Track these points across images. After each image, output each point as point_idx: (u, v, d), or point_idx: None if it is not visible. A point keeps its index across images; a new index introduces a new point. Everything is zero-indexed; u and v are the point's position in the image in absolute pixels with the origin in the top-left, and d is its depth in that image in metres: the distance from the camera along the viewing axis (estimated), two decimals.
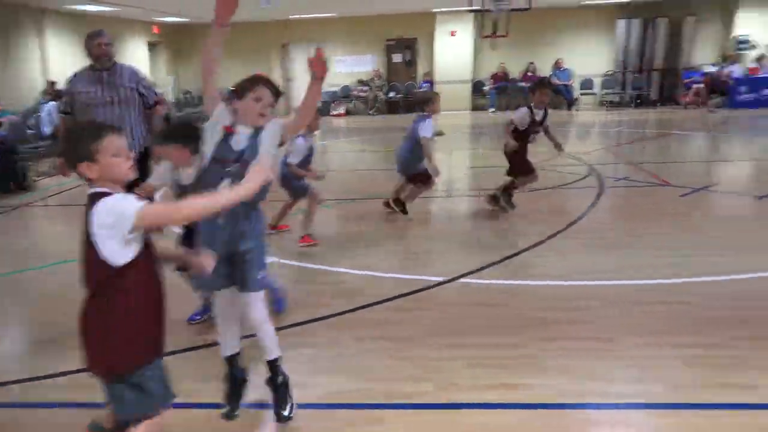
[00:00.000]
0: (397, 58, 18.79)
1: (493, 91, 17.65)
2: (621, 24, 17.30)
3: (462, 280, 4.48)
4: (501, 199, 6.31)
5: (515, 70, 18.02)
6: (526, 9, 14.79)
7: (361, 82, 18.63)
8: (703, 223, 5.83)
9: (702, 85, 16.30)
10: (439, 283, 4.41)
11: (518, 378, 3.11)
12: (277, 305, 3.94)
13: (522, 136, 5.95)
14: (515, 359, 3.30)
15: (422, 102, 6.00)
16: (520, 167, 6.10)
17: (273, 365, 2.85)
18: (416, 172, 6.07)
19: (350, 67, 18.70)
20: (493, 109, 17.46)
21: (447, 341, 3.53)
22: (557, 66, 17.59)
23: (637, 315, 3.81)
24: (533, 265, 4.81)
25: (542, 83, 6.10)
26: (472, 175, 8.96)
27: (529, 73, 17.63)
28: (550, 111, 6.08)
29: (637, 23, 17.20)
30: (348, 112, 18.39)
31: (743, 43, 16.74)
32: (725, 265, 4.55)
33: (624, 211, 6.47)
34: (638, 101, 17.44)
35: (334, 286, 4.52)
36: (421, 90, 17.16)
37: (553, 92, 6.41)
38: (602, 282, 4.35)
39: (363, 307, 4.04)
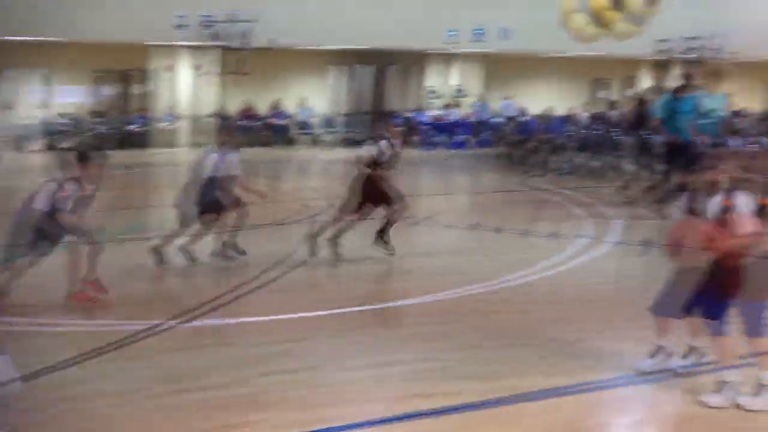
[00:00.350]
0: (110, 89, 17.57)
1: (240, 128, 17.74)
2: (351, 69, 18.83)
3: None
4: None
5: (260, 107, 18.39)
6: (267, 49, 15.22)
7: (62, 115, 16.47)
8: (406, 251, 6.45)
9: (414, 127, 18.30)
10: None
11: (242, 416, 3.18)
12: None
13: (382, 166, 6.13)
14: (236, 398, 3.39)
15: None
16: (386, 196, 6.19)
17: None
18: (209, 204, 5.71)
19: (63, 97, 16.84)
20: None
21: None
22: (302, 104, 18.38)
23: (344, 341, 4.20)
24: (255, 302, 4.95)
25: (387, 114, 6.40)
26: None
27: (276, 110, 18.14)
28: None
29: (366, 70, 18.87)
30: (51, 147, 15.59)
31: (432, 93, 19.35)
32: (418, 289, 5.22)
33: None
34: (350, 142, 18.72)
35: None
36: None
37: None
38: (301, 314, 4.64)
39: None
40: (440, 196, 10.68)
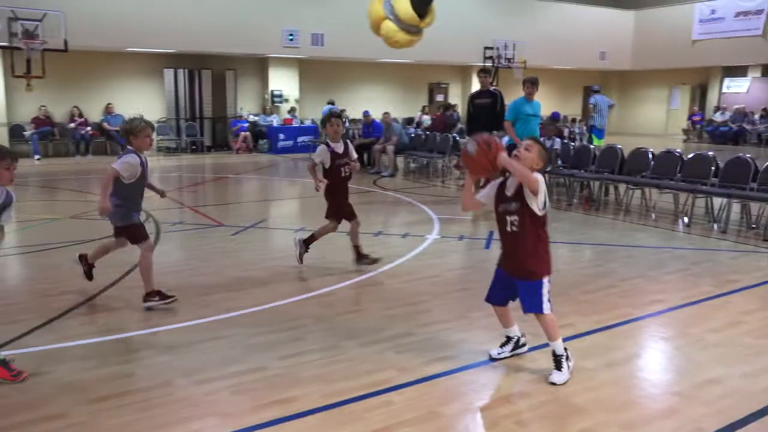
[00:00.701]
0: None
1: (35, 137, 15.89)
2: (168, 73, 17.81)
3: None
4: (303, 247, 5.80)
5: (59, 114, 16.66)
6: (62, 50, 13.88)
7: None
8: (251, 257, 6.36)
9: (248, 133, 18.06)
10: None
11: None
12: None
13: (332, 174, 5.56)
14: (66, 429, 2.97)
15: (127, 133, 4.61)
16: (339, 209, 5.67)
17: None
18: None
19: None
20: (39, 157, 15.72)
21: None
22: (108, 111, 17.00)
23: (192, 355, 3.89)
24: (79, 324, 4.45)
25: (330, 114, 5.78)
26: (18, 230, 7.82)
27: (76, 118, 16.52)
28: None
29: (183, 73, 17.97)
30: None
31: (278, 97, 19.23)
32: (262, 295, 5.05)
33: (178, 254, 6.58)
34: (193, 147, 18.17)
35: None
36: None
37: (341, 122, 5.81)
38: (154, 329, 4.31)
39: None
40: (291, 200, 10.53)
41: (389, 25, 4.03)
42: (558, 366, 3.59)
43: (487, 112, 9.21)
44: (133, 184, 4.60)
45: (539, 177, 3.45)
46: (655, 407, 3.29)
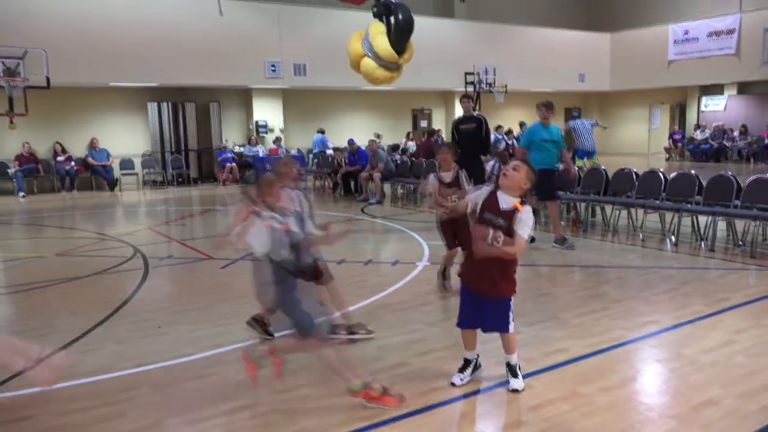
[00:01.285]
0: None
1: (20, 174, 15.77)
2: (152, 106, 17.83)
3: None
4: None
5: (42, 150, 16.58)
6: (45, 87, 13.88)
7: None
8: (240, 289, 6.29)
9: (234, 164, 18.05)
10: None
11: None
12: None
13: None
14: None
15: None
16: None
17: None
18: None
19: None
20: (23, 194, 15.58)
21: None
22: (93, 146, 16.94)
23: (182, 394, 3.81)
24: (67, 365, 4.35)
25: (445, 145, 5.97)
26: (3, 269, 7.72)
27: (59, 154, 16.44)
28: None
29: (167, 106, 17.99)
30: None
31: (262, 127, 19.29)
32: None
33: (168, 288, 6.51)
34: (180, 180, 18.11)
35: None
36: None
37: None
38: (143, 368, 4.23)
39: None
40: None
41: (368, 63, 4.07)
42: (514, 374, 3.79)
43: (472, 138, 9.28)
44: None
45: (526, 223, 3.55)
46: None
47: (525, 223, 3.56)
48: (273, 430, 3.33)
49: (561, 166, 8.38)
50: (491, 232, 3.52)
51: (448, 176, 5.71)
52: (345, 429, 3.31)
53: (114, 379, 4.05)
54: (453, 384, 3.86)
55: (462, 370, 3.93)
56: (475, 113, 9.60)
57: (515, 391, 3.70)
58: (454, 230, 5.73)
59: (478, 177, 9.64)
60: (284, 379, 3.84)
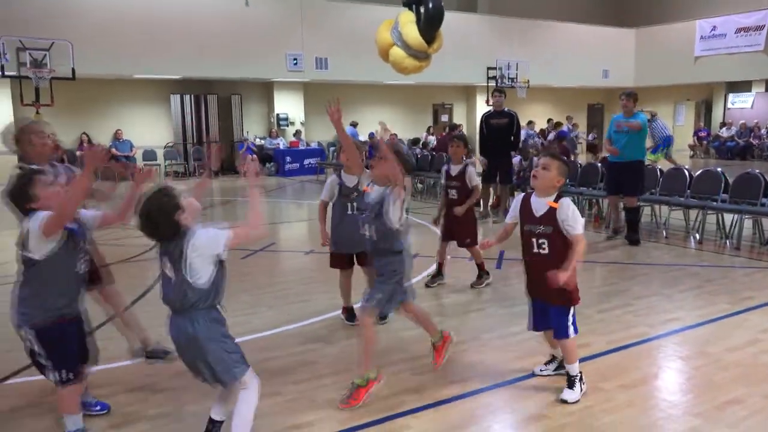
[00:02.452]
0: None
1: None
2: (175, 98, 17.99)
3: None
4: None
5: (68, 141, 16.79)
6: (70, 79, 14.06)
7: None
8: (260, 280, 6.34)
9: (255, 156, 18.13)
10: None
11: None
12: None
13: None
14: None
15: None
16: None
17: None
18: None
19: None
20: None
21: None
22: (117, 137, 17.15)
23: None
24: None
25: (458, 137, 6.04)
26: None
27: (85, 144, 16.67)
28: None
29: (189, 98, 18.15)
30: None
31: (283, 120, 19.36)
32: (273, 319, 5.02)
33: None
34: (201, 171, 18.25)
35: None
36: None
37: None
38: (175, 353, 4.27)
39: None
40: (300, 222, 10.56)
41: (397, 52, 4.04)
42: (571, 385, 3.55)
43: (503, 133, 9.16)
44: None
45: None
46: (676, 429, 3.23)
47: (572, 218, 3.35)
48: (293, 418, 3.35)
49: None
50: (560, 278, 3.27)
51: (455, 169, 5.72)
52: (365, 419, 3.32)
53: (135, 366, 4.09)
54: (533, 373, 3.86)
55: (547, 363, 3.89)
56: (507, 109, 9.47)
57: (563, 401, 3.47)
58: (449, 225, 5.72)
59: (505, 173, 9.54)
60: (306, 368, 3.86)
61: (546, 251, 3.44)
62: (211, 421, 3.03)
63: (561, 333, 3.53)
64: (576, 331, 3.57)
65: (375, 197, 3.58)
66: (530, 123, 18.92)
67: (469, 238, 5.72)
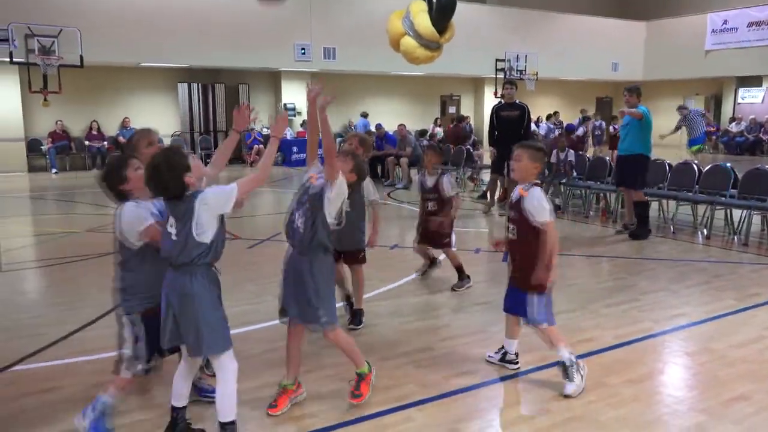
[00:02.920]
0: None
1: (53, 150, 16.08)
2: (182, 87, 17.98)
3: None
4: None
5: (75, 129, 16.85)
6: (78, 66, 14.05)
7: None
8: (266, 269, 6.34)
9: (262, 146, 18.12)
10: None
11: None
12: None
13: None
14: None
15: None
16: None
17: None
18: None
19: None
20: (56, 170, 15.89)
21: None
22: (124, 125, 17.16)
23: None
24: (98, 338, 4.44)
25: (431, 147, 5.87)
26: (36, 243, 7.87)
27: (94, 132, 16.73)
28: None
29: (197, 87, 18.14)
30: None
31: (291, 110, 19.31)
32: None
33: None
34: (208, 160, 18.20)
35: None
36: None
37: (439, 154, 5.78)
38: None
39: None
40: None
41: (409, 42, 4.01)
42: (569, 376, 3.52)
43: (514, 125, 9.09)
44: None
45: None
46: (681, 425, 3.21)
47: (535, 208, 3.45)
48: (298, 409, 3.35)
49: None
50: (537, 277, 3.47)
51: (431, 180, 5.55)
52: (369, 411, 3.32)
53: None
54: (486, 359, 3.94)
55: (497, 351, 3.95)
56: (518, 101, 9.40)
57: (567, 396, 3.44)
58: (425, 232, 5.60)
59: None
60: (310, 359, 3.86)
61: (515, 237, 3.61)
62: (174, 409, 2.98)
63: (532, 319, 3.60)
64: (552, 321, 3.61)
65: (317, 188, 3.28)
66: (551, 116, 18.72)
67: (446, 238, 5.55)
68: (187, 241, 2.73)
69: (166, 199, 2.78)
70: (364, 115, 19.44)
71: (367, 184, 4.45)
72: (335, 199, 3.20)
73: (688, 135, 14.02)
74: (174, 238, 2.75)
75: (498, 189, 10.16)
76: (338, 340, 3.37)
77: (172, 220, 2.76)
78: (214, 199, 2.77)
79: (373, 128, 15.64)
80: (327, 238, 3.24)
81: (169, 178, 2.67)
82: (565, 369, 3.53)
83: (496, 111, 9.47)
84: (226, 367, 2.87)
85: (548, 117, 18.34)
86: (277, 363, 3.91)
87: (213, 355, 2.86)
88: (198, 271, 2.78)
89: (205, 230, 2.75)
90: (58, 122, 16.31)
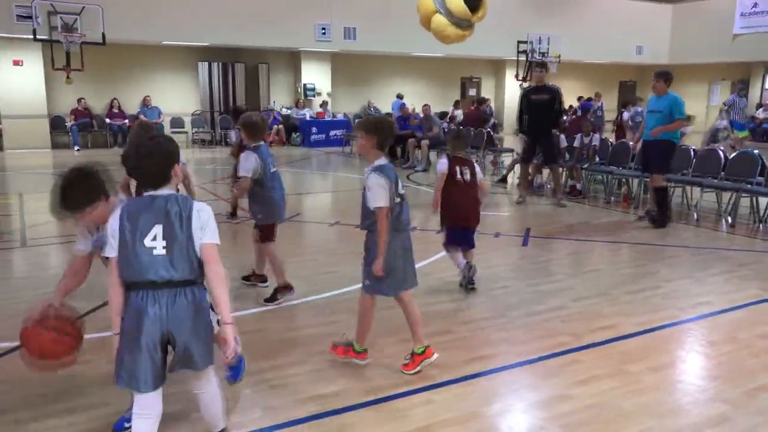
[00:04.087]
0: None
1: (75, 128, 16.22)
2: (203, 66, 17.99)
3: None
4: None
5: (97, 106, 16.96)
6: (100, 44, 14.09)
7: None
8: (287, 250, 6.35)
9: (281, 126, 18.13)
10: None
11: None
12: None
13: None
14: None
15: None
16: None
17: None
18: None
19: None
20: (78, 148, 16.04)
21: None
22: (145, 103, 17.23)
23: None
24: None
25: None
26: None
27: (115, 110, 16.83)
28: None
29: (217, 66, 18.13)
30: None
31: (310, 90, 19.26)
32: (298, 289, 5.04)
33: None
34: (227, 140, 18.28)
35: None
36: None
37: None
38: None
39: None
40: (325, 193, 10.58)
41: (440, 20, 3.94)
42: None
43: (545, 109, 8.89)
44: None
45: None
46: (704, 414, 3.18)
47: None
48: (318, 387, 3.37)
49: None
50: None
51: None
52: (387, 392, 3.33)
53: None
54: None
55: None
56: (549, 84, 9.18)
57: None
58: None
59: (548, 152, 9.23)
60: (331, 339, 3.88)
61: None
62: None
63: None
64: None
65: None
66: (591, 99, 18.15)
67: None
68: (187, 252, 2.44)
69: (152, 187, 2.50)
70: (400, 97, 19.26)
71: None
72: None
73: (735, 118, 13.75)
74: (161, 252, 2.41)
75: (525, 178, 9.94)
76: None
77: (153, 233, 2.41)
78: (209, 224, 2.51)
79: (388, 110, 15.54)
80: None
81: (166, 168, 2.49)
82: None
83: (526, 94, 9.23)
84: (213, 376, 2.69)
85: (588, 100, 17.82)
86: (300, 342, 3.95)
87: (206, 366, 2.58)
88: (198, 279, 2.52)
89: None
90: (81, 100, 16.41)
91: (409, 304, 3.66)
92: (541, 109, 8.89)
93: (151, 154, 2.49)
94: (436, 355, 3.60)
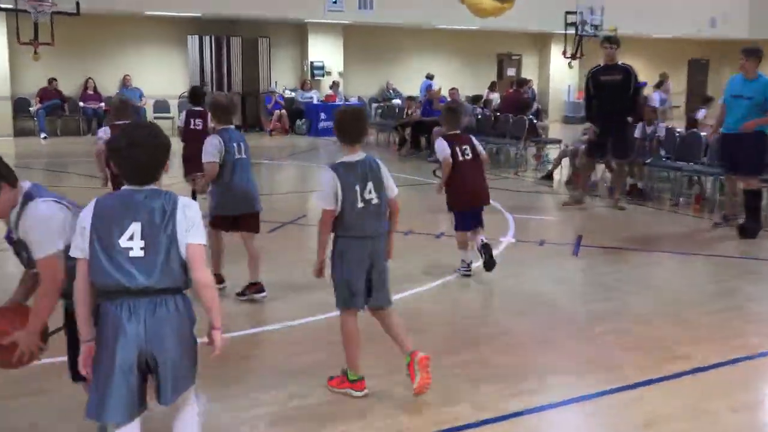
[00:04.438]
0: None
1: (42, 112, 16.34)
2: (193, 40, 18.08)
3: None
4: None
5: (69, 87, 17.09)
6: (74, 14, 14.17)
7: None
8: (289, 259, 6.31)
9: (284, 111, 18.16)
10: None
11: None
12: None
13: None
14: None
15: None
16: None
17: None
18: None
19: None
20: (45, 135, 16.16)
21: None
22: (125, 84, 17.36)
23: (221, 377, 3.85)
24: None
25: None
26: None
27: (90, 91, 16.96)
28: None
29: (209, 41, 18.22)
30: None
31: (318, 70, 19.29)
32: (303, 305, 4.99)
33: (207, 254, 6.57)
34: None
35: None
36: None
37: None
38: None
39: None
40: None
41: None
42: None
43: (618, 91, 8.64)
44: None
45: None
46: None
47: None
48: (324, 426, 3.30)
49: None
50: None
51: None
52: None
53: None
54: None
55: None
56: (621, 62, 8.95)
57: None
58: None
59: (620, 144, 8.93)
60: (340, 366, 3.82)
61: None
62: None
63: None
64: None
65: None
66: (661, 83, 17.50)
67: None
68: (170, 254, 2.42)
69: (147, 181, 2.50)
70: (429, 77, 19.22)
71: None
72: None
73: None
74: (138, 253, 2.39)
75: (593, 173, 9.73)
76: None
77: (129, 232, 2.40)
78: (195, 221, 2.50)
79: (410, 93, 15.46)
80: None
81: (163, 162, 2.53)
82: None
83: (593, 75, 8.99)
84: (194, 402, 2.69)
85: (658, 85, 17.34)
86: (303, 371, 3.89)
87: (187, 390, 2.59)
88: (182, 286, 2.51)
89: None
90: (53, 81, 16.51)
91: (386, 317, 3.78)
92: (613, 92, 8.63)
93: (143, 144, 2.48)
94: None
